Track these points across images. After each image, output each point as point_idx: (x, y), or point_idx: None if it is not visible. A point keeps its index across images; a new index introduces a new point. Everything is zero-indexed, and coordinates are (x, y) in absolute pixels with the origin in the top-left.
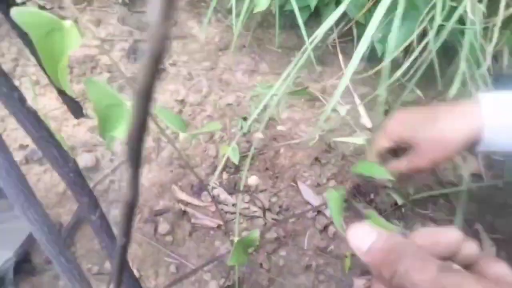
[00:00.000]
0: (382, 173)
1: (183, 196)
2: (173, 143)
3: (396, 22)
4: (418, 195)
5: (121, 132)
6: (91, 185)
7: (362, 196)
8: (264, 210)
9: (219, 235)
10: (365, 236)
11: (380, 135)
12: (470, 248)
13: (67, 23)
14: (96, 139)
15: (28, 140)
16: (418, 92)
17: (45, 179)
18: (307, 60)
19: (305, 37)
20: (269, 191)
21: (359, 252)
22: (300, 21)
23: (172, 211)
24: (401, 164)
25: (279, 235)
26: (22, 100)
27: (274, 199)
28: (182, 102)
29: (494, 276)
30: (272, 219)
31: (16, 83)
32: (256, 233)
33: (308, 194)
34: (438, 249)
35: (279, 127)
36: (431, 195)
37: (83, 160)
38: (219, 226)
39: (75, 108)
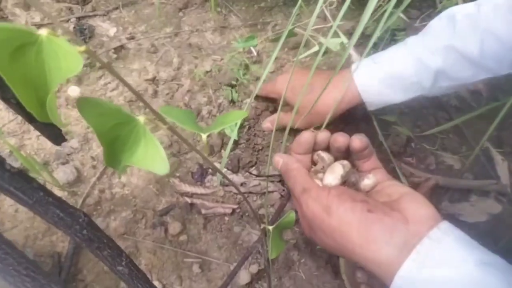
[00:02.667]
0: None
1: (185, 187)
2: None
3: None
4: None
5: (136, 157)
6: (79, 201)
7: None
8: (275, 182)
9: (236, 219)
10: (278, 161)
11: (270, 84)
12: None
13: (43, 33)
14: (69, 146)
15: None
16: (404, 17)
17: (24, 209)
18: (281, 3)
19: None
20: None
21: (277, 167)
22: None
23: (178, 207)
24: (285, 118)
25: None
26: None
27: None
28: (153, 80)
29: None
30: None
31: None
32: (292, 215)
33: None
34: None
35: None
36: (437, 124)
37: (63, 174)
38: (233, 211)
39: (54, 133)
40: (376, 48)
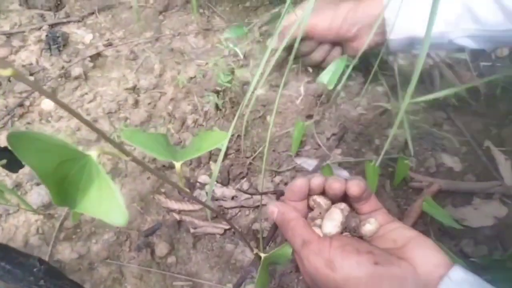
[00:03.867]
0: None
1: (172, 204)
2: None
3: None
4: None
5: (87, 203)
6: (57, 225)
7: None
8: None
9: (228, 236)
10: (273, 211)
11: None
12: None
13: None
14: None
15: None
16: None
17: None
18: (267, 2)
19: None
20: (269, 170)
21: (272, 217)
22: None
23: (165, 226)
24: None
25: None
26: None
27: (277, 179)
28: (134, 89)
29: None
30: (282, 200)
31: None
32: (287, 249)
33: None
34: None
35: (259, 91)
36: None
37: (37, 196)
38: (225, 231)
39: (10, 161)
40: None
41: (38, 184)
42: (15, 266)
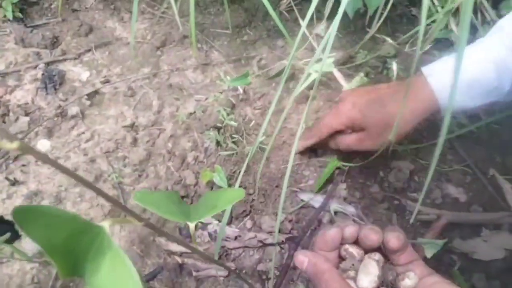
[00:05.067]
0: None
1: (173, 246)
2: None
3: None
4: (417, 145)
5: (99, 278)
6: (53, 273)
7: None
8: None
9: (232, 278)
10: (303, 261)
11: (330, 115)
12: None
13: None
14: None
15: None
16: (393, 43)
17: None
18: (264, 36)
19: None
20: (272, 207)
21: (301, 268)
22: None
23: (166, 269)
24: (351, 140)
25: None
26: None
27: (282, 216)
28: (132, 127)
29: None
30: (287, 239)
31: None
32: None
33: (310, 197)
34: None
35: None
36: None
37: (31, 243)
38: (229, 273)
39: (9, 232)
40: (368, 76)
41: None
42: None
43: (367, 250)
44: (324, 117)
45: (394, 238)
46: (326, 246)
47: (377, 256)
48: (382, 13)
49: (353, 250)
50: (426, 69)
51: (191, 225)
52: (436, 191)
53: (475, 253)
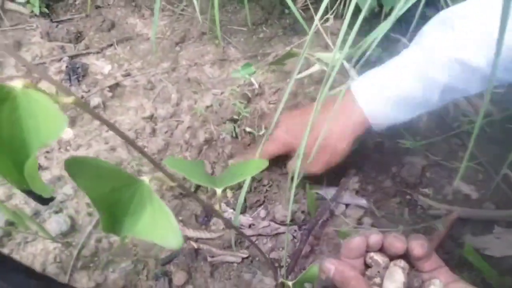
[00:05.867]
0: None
1: (189, 232)
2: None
3: None
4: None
5: (140, 226)
6: (74, 253)
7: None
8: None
9: (245, 265)
10: (330, 268)
11: (268, 142)
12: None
13: (17, 85)
14: (62, 193)
15: None
16: (406, 41)
17: None
18: (280, 33)
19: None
20: (285, 198)
21: (328, 275)
22: None
23: (182, 254)
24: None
25: (312, 244)
26: None
27: (294, 207)
28: (151, 118)
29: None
30: (300, 229)
31: None
32: (315, 269)
33: (323, 190)
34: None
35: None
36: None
37: (55, 225)
38: (243, 259)
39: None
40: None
41: (56, 212)
42: None
43: (392, 258)
44: (267, 145)
45: (418, 246)
46: (352, 254)
47: (402, 263)
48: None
49: (378, 257)
50: (354, 86)
51: (218, 191)
52: (448, 188)
53: (487, 249)
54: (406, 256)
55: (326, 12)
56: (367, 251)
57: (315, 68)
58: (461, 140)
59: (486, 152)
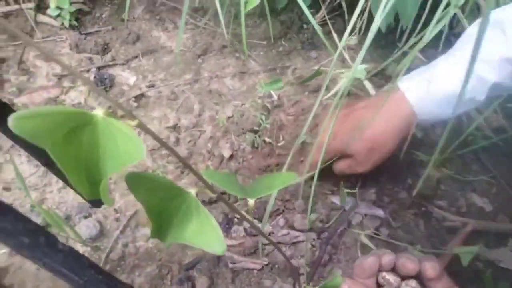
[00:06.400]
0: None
1: None
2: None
3: None
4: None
5: (187, 234)
6: (103, 257)
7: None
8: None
9: (266, 272)
10: (343, 287)
11: (315, 151)
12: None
13: (98, 113)
14: None
15: None
16: (421, 57)
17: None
18: (299, 47)
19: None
20: (304, 207)
21: None
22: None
23: (205, 259)
24: (343, 166)
25: (330, 253)
26: (51, 243)
27: (313, 216)
28: (175, 128)
29: None
30: (318, 237)
31: None
32: (338, 279)
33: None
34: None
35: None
36: (465, 165)
37: (85, 229)
38: (263, 267)
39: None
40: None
41: (86, 217)
42: None
43: (404, 277)
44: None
45: (430, 268)
46: (364, 273)
47: (413, 283)
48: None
49: (390, 277)
50: (403, 84)
51: (251, 201)
52: (462, 200)
53: (501, 262)
54: (417, 276)
55: (344, 29)
56: (379, 271)
57: (340, 85)
58: (476, 154)
59: (499, 165)
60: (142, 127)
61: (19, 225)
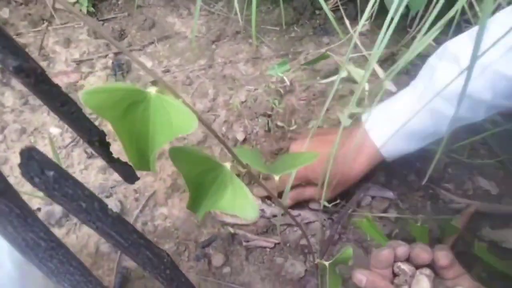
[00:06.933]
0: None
1: (227, 218)
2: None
3: None
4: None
5: (223, 203)
6: None
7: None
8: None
9: (278, 250)
10: (362, 279)
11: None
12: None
13: (151, 91)
14: (112, 179)
15: (38, 201)
16: (433, 43)
17: (70, 242)
18: (311, 33)
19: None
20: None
21: (360, 285)
22: None
23: (220, 238)
24: (311, 192)
25: (340, 232)
26: (103, 209)
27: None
28: None
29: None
30: (329, 218)
31: None
32: (349, 251)
33: None
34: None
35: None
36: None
37: None
38: (275, 245)
39: (129, 173)
40: (408, 74)
41: (107, 197)
42: (154, 256)
43: (418, 267)
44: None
45: (443, 257)
46: (380, 264)
47: (427, 271)
48: (423, 15)
49: (405, 267)
50: (367, 123)
51: (276, 177)
52: (468, 183)
53: (504, 242)
54: (430, 264)
55: (356, 15)
56: (394, 261)
57: (342, 75)
58: (483, 138)
59: (507, 150)
60: (168, 88)
61: (77, 190)
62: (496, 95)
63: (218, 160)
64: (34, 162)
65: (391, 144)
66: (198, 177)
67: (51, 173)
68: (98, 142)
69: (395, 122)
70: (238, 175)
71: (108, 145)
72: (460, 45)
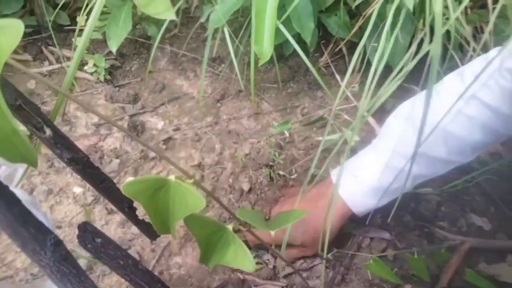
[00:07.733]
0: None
1: None
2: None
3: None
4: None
5: (227, 258)
6: None
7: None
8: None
9: None
10: None
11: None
12: None
13: (171, 179)
14: (130, 232)
15: None
16: (419, 90)
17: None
18: (306, 88)
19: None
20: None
21: None
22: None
23: (231, 283)
24: (296, 253)
25: (343, 274)
26: (135, 264)
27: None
28: (199, 166)
29: None
30: (331, 261)
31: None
32: None
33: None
34: None
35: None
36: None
37: None
38: None
39: (152, 232)
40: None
41: (127, 249)
42: None
43: None
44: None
45: None
46: None
47: None
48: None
49: None
50: (334, 181)
51: (272, 233)
52: (461, 220)
53: (501, 276)
54: None
55: (345, 68)
56: None
57: (336, 136)
58: (473, 177)
59: (496, 188)
60: (197, 184)
61: (117, 251)
62: (450, 152)
63: (222, 224)
64: (88, 234)
65: (359, 202)
66: (208, 238)
67: (99, 240)
68: (128, 208)
69: (360, 181)
70: (239, 230)
71: (135, 210)
72: (417, 105)
